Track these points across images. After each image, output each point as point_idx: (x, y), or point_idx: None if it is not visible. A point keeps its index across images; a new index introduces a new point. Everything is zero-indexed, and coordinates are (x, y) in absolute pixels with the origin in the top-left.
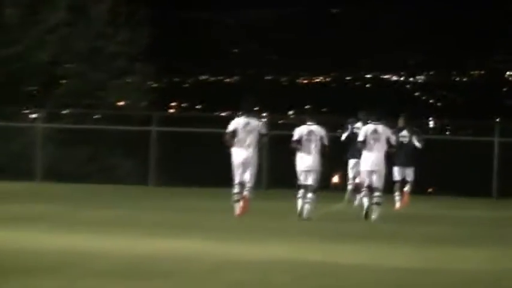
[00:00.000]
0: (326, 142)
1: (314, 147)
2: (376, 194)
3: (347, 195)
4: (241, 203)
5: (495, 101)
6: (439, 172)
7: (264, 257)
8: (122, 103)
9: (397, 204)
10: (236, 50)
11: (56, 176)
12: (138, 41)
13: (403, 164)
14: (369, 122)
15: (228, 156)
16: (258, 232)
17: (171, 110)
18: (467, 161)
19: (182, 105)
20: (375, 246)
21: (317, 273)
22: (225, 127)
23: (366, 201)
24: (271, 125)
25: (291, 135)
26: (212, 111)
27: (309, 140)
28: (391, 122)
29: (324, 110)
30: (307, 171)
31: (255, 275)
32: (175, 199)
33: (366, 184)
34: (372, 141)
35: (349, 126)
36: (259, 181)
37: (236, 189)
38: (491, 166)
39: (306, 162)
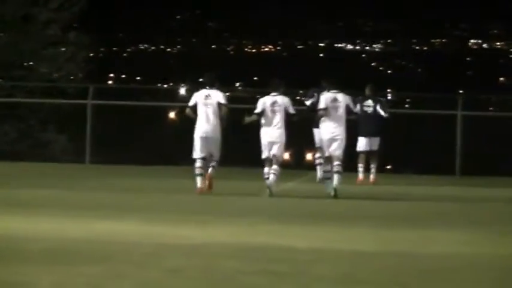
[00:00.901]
0: (291, 111)
1: (279, 118)
2: (336, 162)
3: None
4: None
5: (458, 72)
6: (399, 148)
7: (208, 240)
8: (56, 75)
9: (360, 176)
10: (178, 17)
11: None
12: (71, 7)
13: (369, 134)
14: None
15: (169, 132)
16: (201, 213)
17: (109, 82)
18: (429, 136)
19: (122, 76)
20: (330, 227)
21: (266, 258)
22: (168, 100)
23: (322, 174)
24: None
25: (240, 109)
26: (153, 83)
27: (273, 111)
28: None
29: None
30: (272, 143)
31: (198, 260)
32: (114, 178)
33: (325, 154)
34: (332, 110)
35: (315, 94)
36: None
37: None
38: (454, 141)
39: (270, 134)
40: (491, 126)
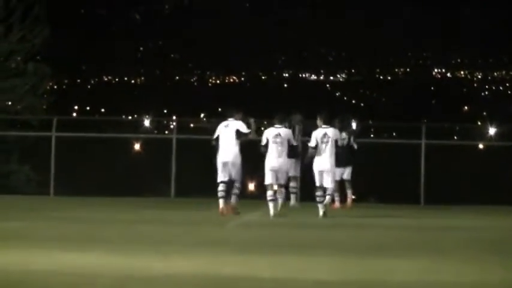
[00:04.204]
0: (294, 143)
1: (281, 148)
2: (328, 192)
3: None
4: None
5: (422, 101)
6: (363, 177)
7: (171, 272)
8: (19, 107)
9: (336, 204)
10: (142, 48)
11: None
12: (33, 39)
13: (342, 165)
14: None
15: (134, 163)
16: (165, 244)
17: (74, 114)
18: (393, 165)
19: (86, 108)
20: (295, 257)
21: None
22: (132, 131)
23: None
24: (179, 129)
25: (204, 140)
26: (117, 114)
27: (275, 142)
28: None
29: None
30: (276, 171)
31: None
32: (78, 209)
33: (317, 184)
34: (321, 145)
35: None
36: (168, 190)
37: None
38: (418, 170)
39: (274, 163)
40: (455, 155)
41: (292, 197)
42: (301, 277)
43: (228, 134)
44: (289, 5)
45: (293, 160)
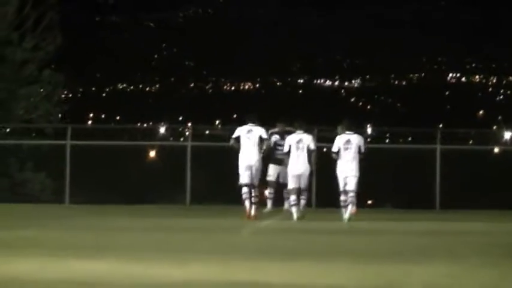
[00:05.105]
0: (312, 147)
1: (303, 153)
2: (350, 195)
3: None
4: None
5: (437, 105)
6: (379, 183)
7: (189, 279)
8: (33, 115)
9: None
10: (156, 56)
11: None
12: (47, 46)
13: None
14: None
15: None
16: (182, 251)
17: (89, 122)
18: (409, 171)
19: (101, 116)
20: (311, 263)
21: None
22: (147, 139)
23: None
24: (194, 136)
25: (219, 147)
26: (132, 122)
27: (297, 148)
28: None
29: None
30: (299, 175)
31: None
32: (93, 217)
33: (341, 188)
34: (344, 151)
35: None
36: (183, 197)
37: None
38: (433, 175)
39: (297, 168)
40: (470, 159)
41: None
42: (316, 283)
43: (251, 139)
44: (303, 12)
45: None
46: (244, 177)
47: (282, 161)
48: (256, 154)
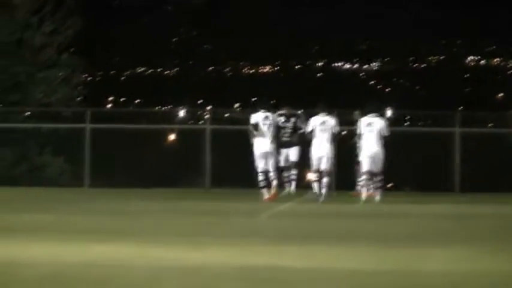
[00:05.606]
0: (336, 131)
1: (327, 135)
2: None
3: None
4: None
5: (455, 88)
6: (398, 166)
7: (208, 262)
8: (52, 99)
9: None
10: (175, 39)
11: None
12: (66, 31)
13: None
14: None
15: (168, 154)
16: (201, 234)
17: (108, 105)
18: (428, 154)
19: (121, 100)
20: (329, 247)
21: (267, 278)
22: (166, 122)
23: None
24: (213, 119)
25: (238, 130)
26: (151, 105)
27: (322, 130)
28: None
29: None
30: (321, 157)
31: (200, 282)
32: (112, 201)
33: (365, 169)
34: (368, 133)
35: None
36: (202, 180)
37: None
38: (453, 158)
39: (320, 150)
40: (490, 142)
41: (293, 184)
42: (335, 266)
43: (268, 126)
44: None
45: (298, 147)
46: (260, 164)
47: (286, 143)
48: (270, 141)
